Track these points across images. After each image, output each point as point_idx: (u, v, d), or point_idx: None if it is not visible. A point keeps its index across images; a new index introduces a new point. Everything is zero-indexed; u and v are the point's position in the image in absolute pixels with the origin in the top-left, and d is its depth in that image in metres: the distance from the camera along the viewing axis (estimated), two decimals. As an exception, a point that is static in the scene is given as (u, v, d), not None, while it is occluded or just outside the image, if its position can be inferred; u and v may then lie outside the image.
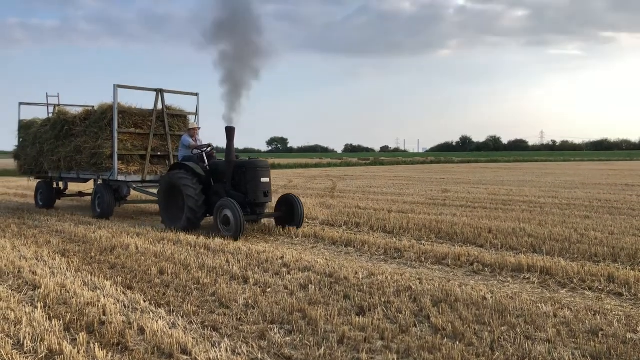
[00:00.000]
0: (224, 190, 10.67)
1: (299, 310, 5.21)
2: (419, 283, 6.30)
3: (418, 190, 20.66)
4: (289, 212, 10.84)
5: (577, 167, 49.55)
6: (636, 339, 4.42)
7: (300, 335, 4.58)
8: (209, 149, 11.63)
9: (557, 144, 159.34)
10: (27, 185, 21.68)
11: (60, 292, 5.91)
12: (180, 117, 14.16)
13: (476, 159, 79.04)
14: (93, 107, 14.11)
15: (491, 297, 5.61)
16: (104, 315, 5.07)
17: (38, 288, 6.10)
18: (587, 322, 4.84)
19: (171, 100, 13.95)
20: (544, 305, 5.35)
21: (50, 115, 16.28)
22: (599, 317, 4.97)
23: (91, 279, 6.54)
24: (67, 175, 14.57)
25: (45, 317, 5.03)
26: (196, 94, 14.44)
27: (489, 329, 4.67)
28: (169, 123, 13.70)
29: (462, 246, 8.87)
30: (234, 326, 4.81)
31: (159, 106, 13.48)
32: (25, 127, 16.40)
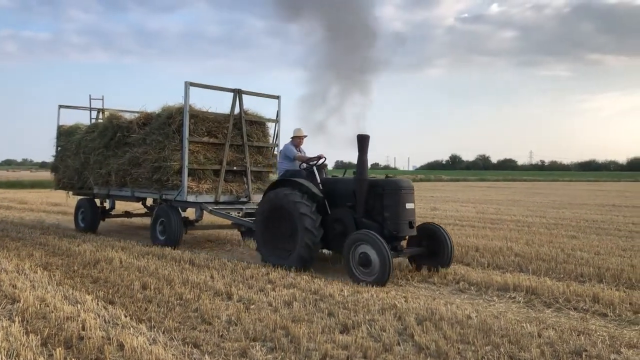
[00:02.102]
0: (350, 218, 8.09)
1: (282, 327, 5.15)
2: (404, 301, 6.25)
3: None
4: (433, 248, 8.19)
5: (565, 187, 49.89)
6: (620, 360, 4.40)
7: (282, 353, 4.51)
8: (321, 161, 9.07)
9: (546, 164, 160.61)
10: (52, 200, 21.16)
11: (40, 306, 5.81)
12: (258, 125, 11.49)
13: (465, 177, 79.38)
14: (143, 111, 11.72)
15: (476, 316, 5.58)
16: (83, 330, 4.98)
17: (17, 302, 5.99)
18: (571, 342, 4.81)
19: (246, 104, 11.29)
20: (528, 325, 5.32)
21: (94, 120, 14.11)
22: (583, 338, 4.95)
23: (72, 293, 6.43)
24: (117, 193, 12.02)
25: (22, 331, 4.93)
26: (277, 97, 11.63)
27: (473, 348, 4.64)
28: (247, 131, 11.10)
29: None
30: (216, 343, 4.73)
31: (236, 110, 10.92)
32: (66, 134, 13.81)
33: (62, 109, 14.15)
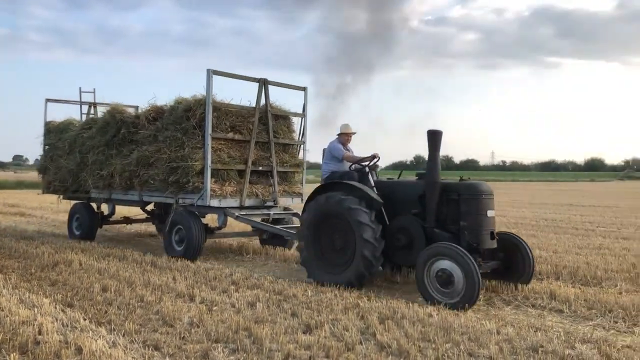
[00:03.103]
0: (418, 228, 6.97)
1: (244, 328, 5.12)
2: (367, 300, 6.31)
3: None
4: (510, 261, 7.08)
5: (526, 187, 51.04)
6: (574, 355, 4.52)
7: (245, 354, 4.49)
8: (374, 161, 7.91)
9: (507, 164, 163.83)
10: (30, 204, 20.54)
11: (-6, 310, 5.64)
12: (284, 120, 10.31)
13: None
14: (152, 104, 10.22)
15: (437, 315, 5.66)
16: (40, 334, 4.85)
17: (-30, 306, 5.80)
18: (528, 338, 4.93)
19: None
20: (488, 322, 5.43)
21: (85, 115, 12.91)
22: (539, 334, 5.07)
23: (29, 297, 6.26)
24: (121, 197, 10.67)
25: (-25, 337, 4.77)
26: (304, 88, 10.42)
27: (434, 346, 4.70)
28: (272, 126, 9.93)
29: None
30: (177, 345, 4.68)
31: (262, 102, 9.71)
32: (56, 131, 12.36)
33: (49, 103, 12.82)
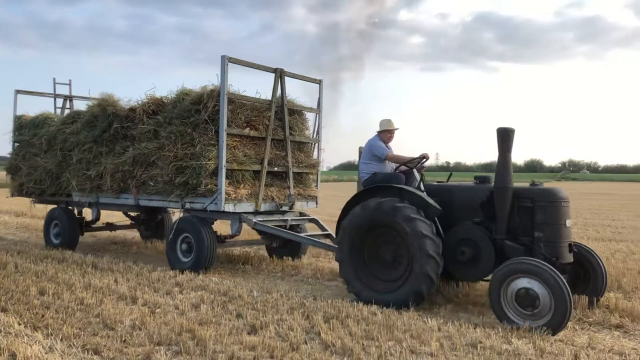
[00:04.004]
0: (486, 239, 6.19)
1: (188, 330, 5.06)
2: (313, 300, 6.34)
3: (327, 209, 20.86)
4: (580, 275, 6.39)
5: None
6: (510, 350, 4.70)
7: (188, 357, 4.44)
8: (423, 162, 7.19)
9: (451, 165, 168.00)
10: None
11: None
12: (299, 115, 9.37)
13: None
14: (151, 96, 9.02)
15: (381, 313, 5.76)
16: (-29, 341, 4.64)
17: None
18: (468, 335, 5.08)
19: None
20: (430, 319, 5.56)
21: (60, 108, 11.73)
22: (479, 330, 5.24)
23: (-41, 302, 5.98)
24: (112, 201, 9.37)
25: None
26: (319, 81, 9.60)
27: (377, 343, 4.78)
28: (288, 122, 8.96)
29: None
30: (118, 349, 4.57)
31: (278, 94, 8.70)
32: (30, 126, 10.86)
33: (19, 95, 11.42)
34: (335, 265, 8.58)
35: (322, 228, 8.87)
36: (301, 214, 9.10)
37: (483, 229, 6.27)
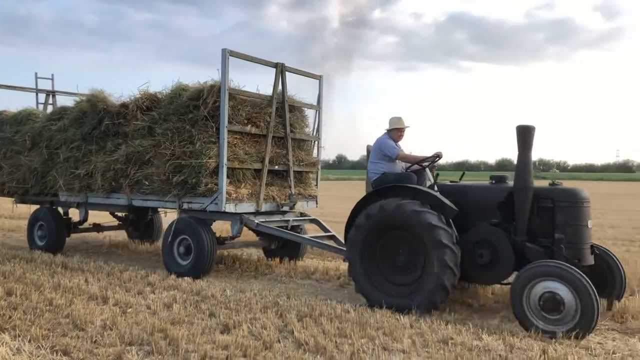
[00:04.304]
0: (505, 241, 5.94)
1: (160, 330, 5.01)
2: (287, 298, 6.35)
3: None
4: (598, 277, 6.00)
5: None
6: (481, 346, 4.77)
7: (160, 356, 4.41)
8: (437, 161, 6.99)
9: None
10: None
11: None
12: (299, 112, 9.10)
13: (350, 176, 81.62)
14: (144, 91, 8.64)
15: (354, 311, 5.79)
16: None
17: None
18: (439, 332, 5.14)
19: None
20: (402, 317, 5.61)
21: (42, 104, 11.25)
22: (450, 327, 5.31)
23: None
24: (102, 201, 8.97)
25: None
26: (319, 77, 9.37)
27: (350, 341, 4.81)
28: (289, 119, 8.67)
29: (330, 261, 9.08)
30: (88, 349, 4.51)
31: (278, 90, 8.41)
32: (12, 123, 10.34)
33: None
34: (309, 264, 8.66)
35: (324, 229, 8.63)
36: (302, 214, 8.88)
37: (501, 231, 6.04)
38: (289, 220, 8.40)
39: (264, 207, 8.04)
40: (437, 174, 6.82)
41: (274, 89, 8.28)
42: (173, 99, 8.20)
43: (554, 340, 4.98)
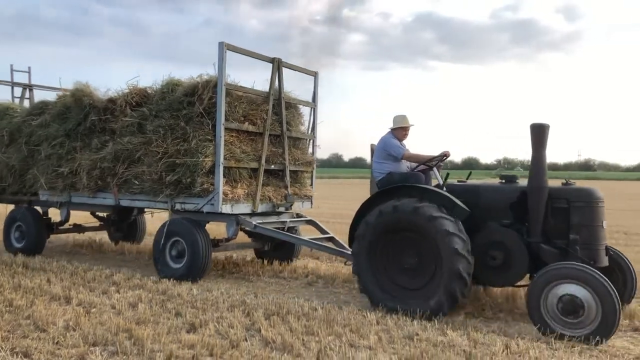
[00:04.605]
0: (519, 243, 5.80)
1: (125, 330, 4.94)
2: (254, 297, 6.33)
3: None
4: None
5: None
6: (445, 341, 4.85)
7: (124, 357, 4.35)
8: (444, 160, 6.78)
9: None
10: None
11: None
12: (294, 109, 8.79)
13: (319, 175, 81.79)
14: (133, 86, 8.27)
15: (321, 309, 5.81)
16: None
17: None
18: (405, 328, 5.21)
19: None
20: (369, 313, 5.66)
21: (19, 98, 10.74)
22: (415, 323, 5.38)
23: None
24: (87, 201, 8.55)
25: None
26: (315, 73, 9.09)
27: (317, 338, 4.83)
28: (286, 117, 8.34)
29: (299, 259, 9.09)
30: (50, 351, 4.42)
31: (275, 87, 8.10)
32: None
33: None
34: (277, 262, 8.63)
35: (321, 230, 8.39)
36: (298, 215, 8.64)
37: (514, 232, 5.88)
38: (285, 221, 8.15)
39: (260, 208, 7.75)
40: (448, 174, 6.60)
41: (270, 85, 7.99)
42: (165, 94, 7.87)
43: (516, 335, 5.09)
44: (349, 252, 6.78)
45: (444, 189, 6.27)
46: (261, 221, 7.67)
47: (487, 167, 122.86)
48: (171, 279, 7.15)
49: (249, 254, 9.49)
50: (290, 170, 8.32)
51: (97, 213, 10.21)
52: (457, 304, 5.73)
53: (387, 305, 5.86)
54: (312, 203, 8.81)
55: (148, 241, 10.31)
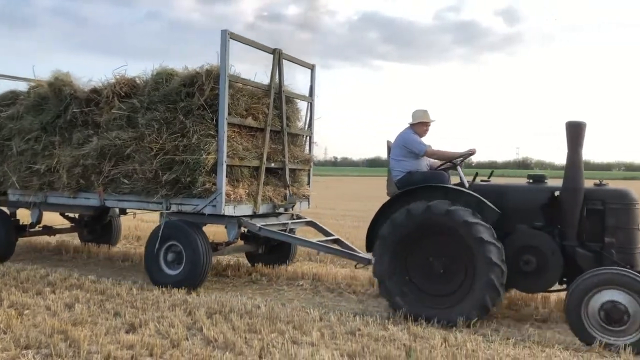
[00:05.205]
0: (554, 247, 5.50)
1: (60, 332, 4.78)
2: (196, 296, 6.26)
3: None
4: None
5: (356, 182, 54.07)
6: (387, 336, 4.93)
7: (59, 359, 4.21)
8: (468, 158, 6.47)
9: (339, 160, 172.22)
10: None
11: None
12: (292, 104, 8.18)
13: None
14: (119, 76, 7.53)
15: (265, 306, 5.80)
16: None
17: None
18: (347, 324, 5.26)
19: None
20: (312, 310, 5.69)
21: None
22: (358, 319, 5.44)
23: None
24: (67, 202, 7.80)
25: None
26: (312, 66, 8.53)
27: (260, 336, 4.82)
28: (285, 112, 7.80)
29: (244, 258, 9.02)
30: (-22, 355, 4.23)
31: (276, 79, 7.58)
32: None
33: None
34: (221, 259, 8.54)
35: (324, 232, 7.90)
36: (298, 216, 8.09)
37: (547, 235, 5.60)
38: (287, 223, 7.64)
39: (262, 209, 7.23)
40: (477, 173, 6.29)
41: (271, 77, 7.45)
42: (158, 84, 7.17)
43: (454, 328, 5.23)
44: (361, 255, 6.63)
45: (468, 188, 5.90)
46: (264, 223, 7.14)
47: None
48: (110, 279, 6.95)
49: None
50: (290, 170, 7.81)
51: (66, 213, 9.44)
52: (487, 314, 5.46)
53: (410, 311, 5.52)
54: (309, 203, 8.32)
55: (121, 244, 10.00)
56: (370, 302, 6.45)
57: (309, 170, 8.46)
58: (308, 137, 8.50)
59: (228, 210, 6.70)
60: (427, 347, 4.65)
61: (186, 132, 6.77)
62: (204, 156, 6.55)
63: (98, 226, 9.81)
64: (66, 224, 9.72)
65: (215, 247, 7.31)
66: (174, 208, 6.96)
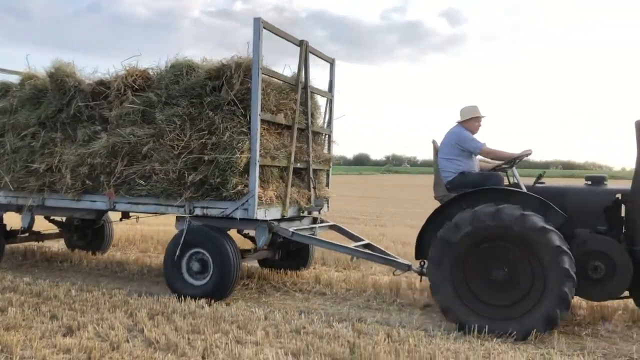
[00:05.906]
0: (622, 252, 5.20)
1: (-9, 337, 4.58)
2: (138, 297, 6.11)
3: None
4: None
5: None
6: (331, 333, 4.96)
7: (-10, 366, 4.03)
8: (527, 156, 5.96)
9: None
10: None
11: None
12: (314, 101, 7.59)
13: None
14: (130, 67, 6.93)
15: (208, 306, 5.73)
16: None
17: None
18: (292, 322, 5.26)
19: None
20: (257, 309, 5.66)
21: None
22: (303, 317, 5.45)
23: None
24: (68, 204, 7.06)
25: None
26: (332, 60, 7.98)
27: (203, 337, 4.75)
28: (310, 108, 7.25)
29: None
30: None
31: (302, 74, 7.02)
32: None
33: None
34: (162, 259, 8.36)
35: (354, 237, 7.35)
36: (321, 220, 7.67)
37: (614, 240, 5.31)
38: (314, 227, 7.15)
39: (290, 213, 6.71)
40: (540, 175, 5.89)
41: (298, 71, 6.92)
42: (178, 77, 6.56)
43: (398, 325, 5.32)
44: (400, 260, 6.35)
45: (524, 190, 5.59)
46: (295, 228, 6.63)
47: (377, 164, 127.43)
48: (47, 280, 6.70)
49: (134, 253, 9.13)
50: (313, 170, 7.32)
51: (52, 217, 8.69)
52: (568, 309, 5.07)
53: (468, 323, 5.13)
54: (328, 206, 7.69)
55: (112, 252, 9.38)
56: (316, 299, 6.48)
57: (328, 170, 7.96)
58: (327, 136, 8.02)
59: (260, 214, 6.17)
60: (370, 343, 4.70)
61: (215, 130, 6.23)
62: (237, 155, 6.04)
63: (89, 231, 9.12)
64: (53, 228, 9.02)
65: (243, 254, 6.62)
66: (197, 212, 6.36)
